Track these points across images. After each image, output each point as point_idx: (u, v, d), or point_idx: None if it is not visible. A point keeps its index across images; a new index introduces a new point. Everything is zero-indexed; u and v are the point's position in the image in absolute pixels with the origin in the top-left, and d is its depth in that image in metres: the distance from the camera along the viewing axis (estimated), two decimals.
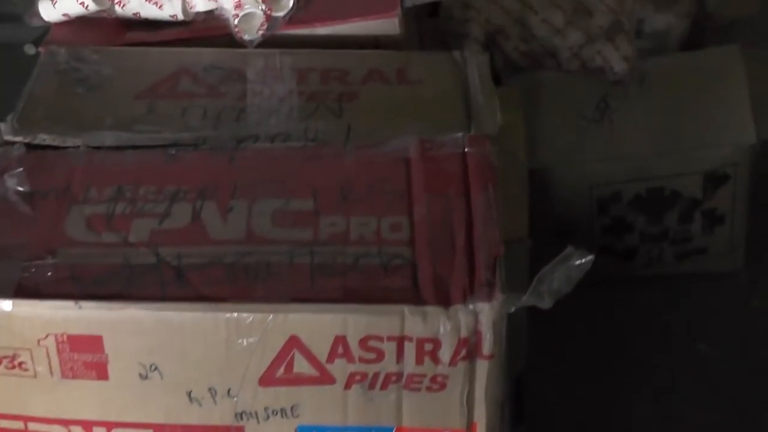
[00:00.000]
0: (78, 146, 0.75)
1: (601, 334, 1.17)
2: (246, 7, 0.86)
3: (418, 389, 0.67)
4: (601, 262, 1.20)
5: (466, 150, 0.74)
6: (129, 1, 0.88)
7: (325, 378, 0.66)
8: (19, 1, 0.97)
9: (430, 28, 1.15)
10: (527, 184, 0.98)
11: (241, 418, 0.68)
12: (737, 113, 1.16)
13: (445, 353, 0.65)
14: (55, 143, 0.76)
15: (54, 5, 0.90)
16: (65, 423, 0.69)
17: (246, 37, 0.86)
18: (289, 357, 0.65)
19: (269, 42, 0.86)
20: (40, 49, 0.87)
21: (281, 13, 0.86)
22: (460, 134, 0.75)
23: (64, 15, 0.90)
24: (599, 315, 1.19)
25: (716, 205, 1.21)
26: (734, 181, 1.19)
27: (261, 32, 0.86)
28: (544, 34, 1.18)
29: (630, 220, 1.22)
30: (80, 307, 0.65)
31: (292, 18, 0.87)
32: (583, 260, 0.67)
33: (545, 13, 1.18)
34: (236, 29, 0.86)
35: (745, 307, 1.22)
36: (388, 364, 0.66)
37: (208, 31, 0.88)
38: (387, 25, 0.87)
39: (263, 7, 0.86)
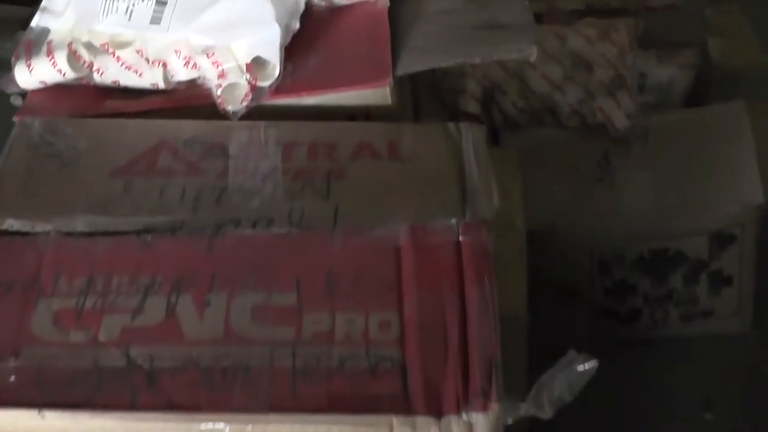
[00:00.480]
0: (48, 231, 0.71)
1: (603, 400, 1.13)
2: (229, 76, 0.81)
3: None
4: (603, 324, 1.21)
5: (460, 238, 0.70)
6: (107, 69, 0.84)
7: None
8: (9, 46, 0.92)
9: (425, 83, 1.11)
10: (525, 253, 0.93)
11: None
12: (743, 172, 1.13)
13: None
14: (24, 229, 0.71)
15: (30, 72, 0.85)
16: None
17: (229, 108, 0.81)
18: None
19: (254, 113, 0.82)
20: (15, 119, 0.83)
21: (266, 83, 0.82)
22: (453, 220, 0.71)
23: (40, 82, 0.86)
24: (601, 380, 1.14)
25: (723, 267, 1.17)
26: (741, 242, 1.16)
27: (245, 103, 0.81)
28: (543, 89, 1.14)
29: (633, 281, 1.18)
30: (43, 417, 0.60)
31: (278, 87, 0.82)
32: (587, 366, 0.63)
33: (544, 68, 1.14)
34: (219, 100, 0.82)
35: (754, 372, 1.17)
36: None
37: (190, 100, 0.84)
38: (378, 94, 0.83)
39: (248, 77, 0.81)
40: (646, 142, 1.13)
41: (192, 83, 0.84)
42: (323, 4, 0.89)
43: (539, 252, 1.01)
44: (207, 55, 0.82)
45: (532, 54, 0.82)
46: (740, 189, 1.13)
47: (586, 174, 1.14)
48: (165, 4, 0.85)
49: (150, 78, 0.84)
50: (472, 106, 1.14)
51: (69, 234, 0.71)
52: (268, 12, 0.83)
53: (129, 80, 0.85)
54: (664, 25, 1.24)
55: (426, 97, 1.15)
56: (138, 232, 0.71)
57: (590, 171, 1.14)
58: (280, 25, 0.83)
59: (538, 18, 1.23)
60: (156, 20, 0.84)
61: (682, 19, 1.26)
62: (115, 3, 0.85)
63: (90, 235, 0.71)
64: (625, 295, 1.18)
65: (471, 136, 0.79)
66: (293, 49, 0.85)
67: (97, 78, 0.85)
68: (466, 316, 0.65)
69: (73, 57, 0.85)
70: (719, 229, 1.14)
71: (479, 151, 0.78)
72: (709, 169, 1.13)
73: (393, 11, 0.90)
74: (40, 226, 0.71)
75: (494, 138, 1.15)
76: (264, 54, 0.82)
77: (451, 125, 0.81)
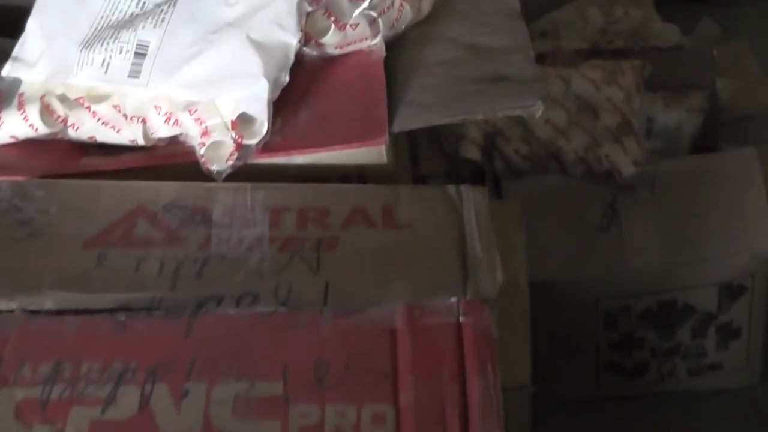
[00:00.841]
0: (12, 310, 0.66)
1: None
2: (214, 134, 0.76)
3: None
4: (608, 378, 1.15)
5: (461, 319, 0.64)
6: (83, 124, 0.78)
7: None
8: None
9: (424, 127, 1.06)
10: (529, 315, 0.88)
11: None
12: (754, 221, 1.08)
13: None
14: None
15: (0, 126, 0.80)
16: None
17: (214, 167, 0.76)
18: None
19: (240, 173, 0.76)
20: None
21: (253, 141, 0.76)
22: (453, 299, 0.65)
23: (11, 137, 0.80)
24: None
25: (732, 319, 1.13)
26: (751, 293, 1.11)
27: (230, 162, 0.75)
28: (547, 135, 1.09)
29: (639, 335, 1.13)
30: None
31: (266, 145, 0.76)
32: None
33: (548, 113, 1.09)
34: (203, 159, 0.76)
35: (763, 425, 1.13)
36: None
37: (172, 158, 0.78)
38: (373, 153, 0.77)
39: (233, 135, 0.76)
40: (653, 189, 1.08)
41: (174, 140, 0.79)
42: (315, 53, 0.83)
43: (542, 304, 0.96)
44: (189, 112, 0.77)
45: (538, 111, 0.76)
46: (751, 239, 1.08)
47: (591, 223, 1.09)
48: (144, 56, 0.79)
49: (128, 134, 0.78)
50: (473, 153, 1.09)
51: (36, 312, 0.65)
52: (256, 65, 0.77)
53: (106, 136, 0.79)
54: (672, 66, 1.19)
55: (425, 142, 1.10)
56: (112, 311, 0.66)
57: (596, 220, 1.09)
58: (268, 80, 0.77)
59: (542, 58, 1.19)
60: (135, 74, 0.79)
61: (690, 59, 1.22)
62: (91, 55, 0.79)
63: (59, 313, 0.66)
64: (631, 349, 1.14)
65: (472, 201, 0.74)
66: (282, 103, 0.79)
67: (72, 133, 0.79)
68: (467, 409, 0.60)
69: (46, 111, 0.79)
70: (729, 280, 1.09)
71: (481, 217, 0.72)
72: (718, 218, 1.08)
73: (389, 61, 0.84)
74: (4, 304, 0.66)
75: (496, 186, 1.10)
76: (251, 110, 0.76)
77: (451, 188, 0.75)
